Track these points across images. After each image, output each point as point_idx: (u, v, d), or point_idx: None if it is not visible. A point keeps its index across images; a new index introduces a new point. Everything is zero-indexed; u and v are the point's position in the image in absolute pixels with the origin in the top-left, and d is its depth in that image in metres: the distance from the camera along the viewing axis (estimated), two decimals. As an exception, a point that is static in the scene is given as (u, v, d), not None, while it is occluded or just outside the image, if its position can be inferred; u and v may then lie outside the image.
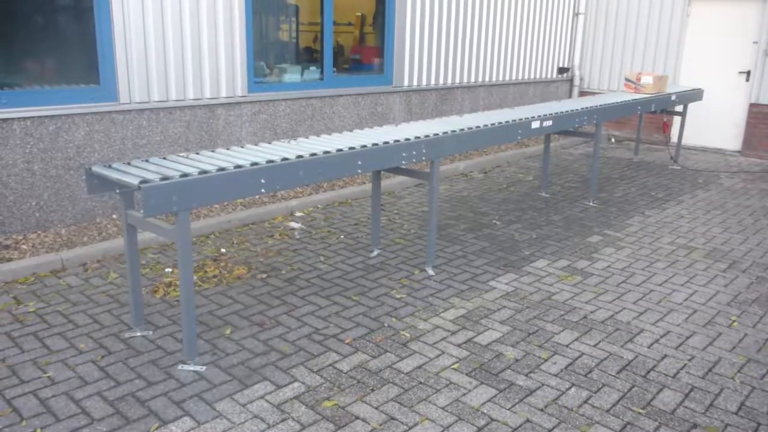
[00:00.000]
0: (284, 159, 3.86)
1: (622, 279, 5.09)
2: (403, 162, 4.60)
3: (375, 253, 5.49)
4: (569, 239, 6.00)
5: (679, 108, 9.29)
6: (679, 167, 9.31)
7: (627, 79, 8.48)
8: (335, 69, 7.77)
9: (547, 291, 4.82)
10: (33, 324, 4.09)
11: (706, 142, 10.63)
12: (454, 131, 5.02)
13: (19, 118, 5.20)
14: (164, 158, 3.84)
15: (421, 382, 3.53)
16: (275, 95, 7.04)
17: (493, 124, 5.43)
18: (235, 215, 6.09)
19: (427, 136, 4.77)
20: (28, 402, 3.27)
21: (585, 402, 3.40)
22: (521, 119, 5.76)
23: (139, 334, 3.99)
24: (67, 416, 3.16)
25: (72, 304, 4.38)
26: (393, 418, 3.20)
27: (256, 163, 3.71)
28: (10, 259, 4.89)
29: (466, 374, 3.63)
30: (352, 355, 3.81)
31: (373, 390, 3.45)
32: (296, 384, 3.49)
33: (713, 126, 10.48)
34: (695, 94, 9.26)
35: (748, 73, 9.99)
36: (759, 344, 4.09)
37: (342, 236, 5.91)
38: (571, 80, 11.81)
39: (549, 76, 11.32)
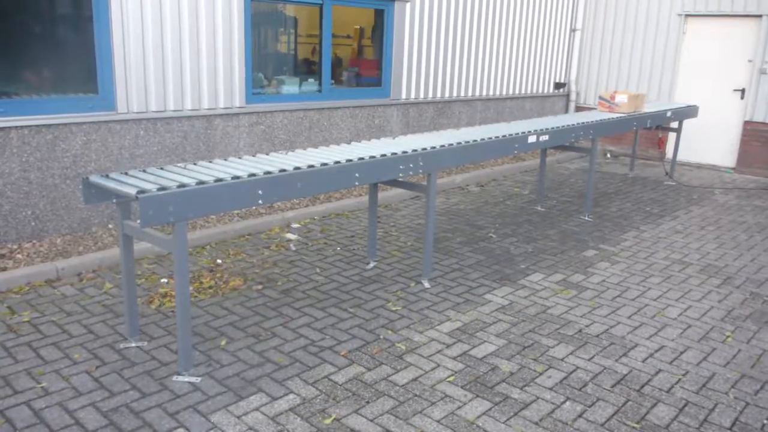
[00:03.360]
0: (282, 170, 3.87)
1: (617, 293, 5.11)
2: (401, 175, 4.62)
3: (371, 265, 5.49)
4: (565, 253, 6.01)
5: (674, 124, 9.35)
6: (674, 183, 9.36)
7: (601, 98, 8.01)
8: (333, 81, 7.81)
9: (542, 304, 4.82)
10: (27, 334, 4.07)
11: (700, 158, 10.69)
12: (451, 144, 5.04)
13: (16, 127, 5.21)
14: (162, 168, 3.85)
15: (416, 395, 3.53)
16: (273, 107, 7.06)
17: (490, 137, 5.46)
18: (232, 226, 6.09)
19: (424, 149, 4.79)
20: (21, 413, 3.25)
21: (580, 416, 3.40)
22: (518, 133, 5.79)
23: (133, 344, 3.98)
24: (61, 427, 3.14)
25: (67, 314, 4.36)
26: (388, 431, 3.20)
27: (253, 175, 3.72)
28: (4, 269, 4.87)
29: (462, 387, 3.63)
30: (348, 367, 3.81)
31: (368, 402, 3.45)
32: (291, 396, 3.49)
33: (708, 142, 10.55)
34: (690, 111, 9.32)
35: (743, 90, 10.07)
36: (753, 360, 4.10)
37: (338, 248, 5.91)
38: (567, 95, 11.89)
39: (546, 91, 11.40)
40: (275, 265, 5.43)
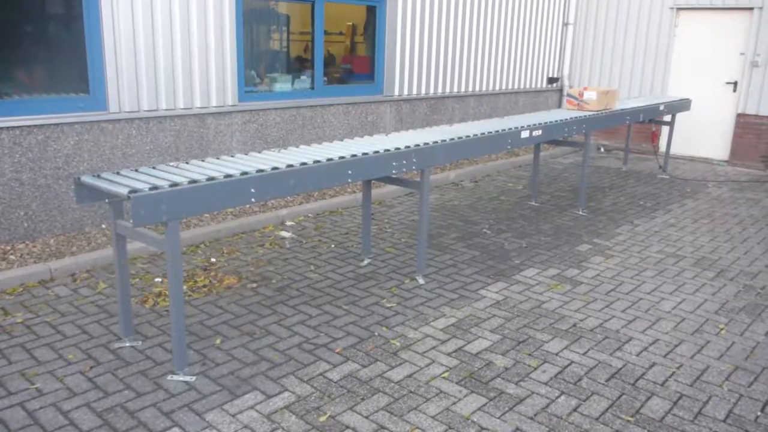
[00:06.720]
0: (274, 168, 3.86)
1: (611, 287, 5.12)
2: (394, 171, 4.62)
3: (365, 262, 5.49)
4: (559, 248, 6.02)
5: (667, 118, 9.37)
6: (667, 176, 9.38)
7: (569, 95, 7.59)
8: (326, 78, 7.79)
9: (536, 299, 4.83)
10: (21, 335, 4.06)
11: (694, 151, 10.72)
12: (445, 141, 5.04)
13: (7, 128, 5.18)
14: (154, 168, 3.84)
15: (411, 391, 3.53)
16: (266, 104, 7.05)
17: (483, 133, 5.46)
18: (226, 225, 6.08)
19: (417, 145, 4.79)
20: (15, 414, 3.24)
21: (574, 410, 3.41)
22: (511, 129, 5.79)
23: (128, 344, 3.97)
24: (55, 428, 3.14)
25: (60, 315, 4.35)
26: (383, 427, 3.20)
27: (246, 173, 3.72)
28: (-2, 269, 4.86)
29: (456, 383, 3.63)
30: (343, 364, 3.81)
31: (363, 399, 3.45)
32: (286, 394, 3.49)
33: (701, 136, 10.58)
34: (683, 104, 9.35)
35: (735, 83, 10.09)
36: (747, 352, 4.12)
37: (332, 245, 5.91)
38: (560, 90, 11.89)
39: (539, 86, 11.40)
40: (269, 263, 5.42)
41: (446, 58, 9.31)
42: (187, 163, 3.97)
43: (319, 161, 4.11)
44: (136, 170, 3.75)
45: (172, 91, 6.16)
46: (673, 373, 3.83)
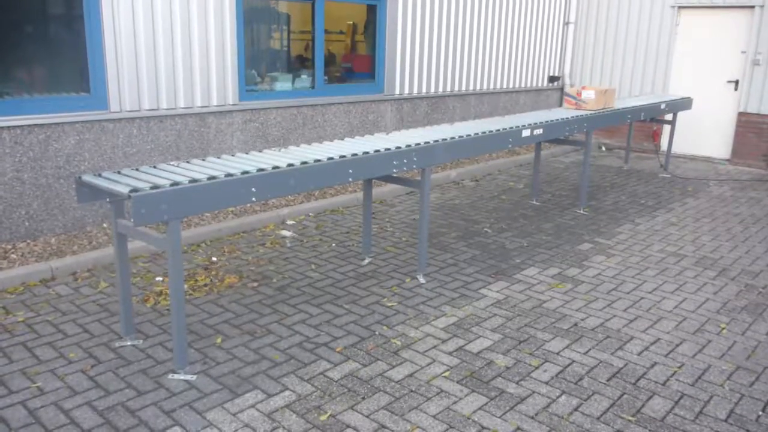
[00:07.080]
0: (275, 167, 3.86)
1: (612, 286, 5.12)
2: (394, 170, 4.61)
3: (366, 261, 5.49)
4: (560, 247, 6.02)
5: (668, 117, 9.36)
6: (668, 175, 9.37)
7: (567, 94, 7.49)
8: (326, 77, 7.79)
9: (537, 299, 4.83)
10: (22, 334, 4.06)
11: (695, 150, 10.71)
12: (445, 140, 5.03)
13: (8, 127, 5.18)
14: (154, 167, 3.84)
15: (412, 391, 3.53)
16: (266, 103, 7.04)
17: (484, 132, 5.46)
18: (226, 224, 6.08)
19: (418, 144, 4.79)
20: (16, 413, 3.25)
21: (575, 410, 3.41)
22: (512, 128, 5.78)
23: (129, 343, 3.97)
24: (56, 427, 3.14)
25: (62, 314, 4.35)
26: (384, 427, 3.20)
27: (246, 172, 3.72)
28: (-1, 269, 4.86)
29: (457, 382, 3.63)
30: (343, 363, 3.81)
31: (363, 398, 3.45)
32: (287, 392, 3.49)
33: (702, 134, 10.56)
34: (684, 103, 9.33)
35: (737, 82, 10.08)
36: (748, 351, 4.11)
37: (333, 244, 5.91)
38: (561, 89, 11.88)
39: (540, 84, 11.39)
40: (270, 262, 5.42)
41: (447, 56, 9.30)
42: (188, 162, 3.97)
43: (319, 160, 4.11)
44: (137, 169, 3.75)
45: (173, 91, 6.16)
46: (675, 372, 3.82)
